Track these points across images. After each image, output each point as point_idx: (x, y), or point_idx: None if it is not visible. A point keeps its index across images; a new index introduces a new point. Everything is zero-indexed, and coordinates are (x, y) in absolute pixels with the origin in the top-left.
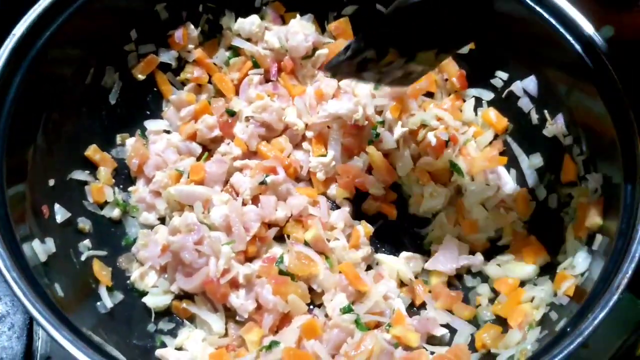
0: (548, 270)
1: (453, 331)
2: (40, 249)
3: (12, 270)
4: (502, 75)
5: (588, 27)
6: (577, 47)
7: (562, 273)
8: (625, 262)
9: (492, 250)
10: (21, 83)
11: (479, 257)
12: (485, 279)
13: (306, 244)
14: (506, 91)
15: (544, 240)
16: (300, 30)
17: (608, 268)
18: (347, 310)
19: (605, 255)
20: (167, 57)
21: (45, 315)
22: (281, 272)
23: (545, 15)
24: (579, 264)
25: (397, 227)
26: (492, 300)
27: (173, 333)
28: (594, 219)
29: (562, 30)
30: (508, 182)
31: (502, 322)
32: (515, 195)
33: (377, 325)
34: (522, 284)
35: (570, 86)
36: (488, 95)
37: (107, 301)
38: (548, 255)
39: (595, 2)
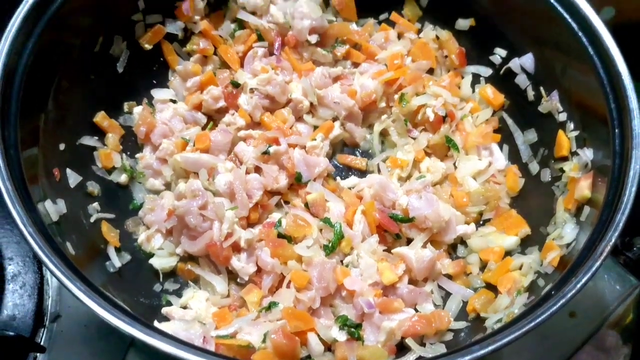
0: (537, 240)
1: (447, 295)
2: (52, 209)
3: (28, 225)
4: (501, 52)
5: (585, 6)
6: (574, 25)
7: (549, 243)
8: (610, 231)
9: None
10: (33, 51)
11: (472, 227)
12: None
13: (306, 205)
14: (504, 68)
15: (535, 213)
16: (308, 13)
17: (593, 237)
18: None
19: (591, 225)
20: (174, 27)
21: (59, 268)
22: (279, 235)
23: None
24: (567, 234)
25: None
26: (482, 269)
27: (178, 293)
28: (583, 191)
29: (559, 8)
30: (499, 158)
31: (492, 289)
32: (506, 171)
33: None
34: (509, 253)
35: (565, 64)
36: (486, 72)
37: (116, 261)
38: (529, 227)
39: None
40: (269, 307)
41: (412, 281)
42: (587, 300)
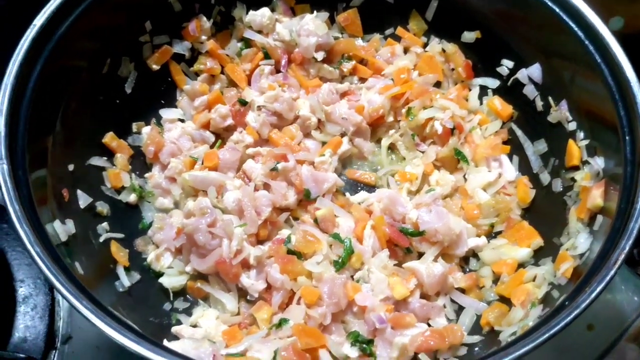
0: (550, 251)
1: (460, 308)
2: (61, 229)
3: (35, 245)
4: (507, 63)
5: (591, 16)
6: (581, 34)
7: (563, 253)
8: (623, 239)
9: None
10: (41, 72)
11: (483, 240)
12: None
13: (316, 221)
14: (512, 79)
15: (548, 223)
16: (314, 31)
17: (606, 246)
18: None
19: (605, 234)
20: (181, 48)
21: (68, 288)
22: (289, 252)
23: (550, 4)
24: (581, 244)
25: None
26: (495, 282)
27: (188, 312)
28: (596, 200)
29: (566, 18)
30: (509, 170)
31: (506, 302)
32: (516, 182)
33: None
34: (522, 265)
35: (573, 73)
36: (494, 84)
37: (125, 280)
38: (541, 238)
39: None
40: (280, 324)
41: (424, 295)
42: (605, 312)
